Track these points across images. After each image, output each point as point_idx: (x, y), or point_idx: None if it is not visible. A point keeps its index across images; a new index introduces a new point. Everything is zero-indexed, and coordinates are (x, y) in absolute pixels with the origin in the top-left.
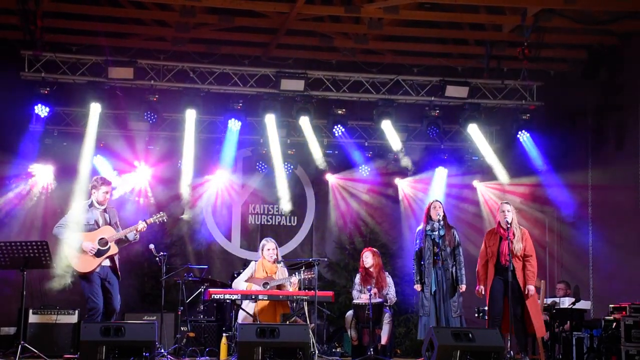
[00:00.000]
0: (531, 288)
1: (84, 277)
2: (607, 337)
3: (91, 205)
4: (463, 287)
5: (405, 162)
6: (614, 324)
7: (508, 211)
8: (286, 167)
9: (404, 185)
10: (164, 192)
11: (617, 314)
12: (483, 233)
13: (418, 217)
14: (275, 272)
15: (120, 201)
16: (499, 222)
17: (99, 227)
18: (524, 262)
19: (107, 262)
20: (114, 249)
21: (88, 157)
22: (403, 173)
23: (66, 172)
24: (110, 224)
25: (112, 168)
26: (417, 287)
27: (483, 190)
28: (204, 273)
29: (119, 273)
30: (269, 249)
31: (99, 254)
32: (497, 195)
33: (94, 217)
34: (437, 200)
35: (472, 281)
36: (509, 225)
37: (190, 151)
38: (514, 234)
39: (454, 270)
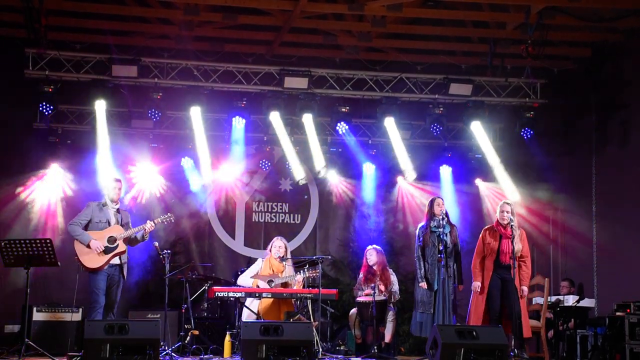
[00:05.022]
0: (525, 289)
1: (91, 272)
2: (612, 334)
3: (104, 204)
4: (461, 287)
5: (408, 160)
6: (618, 321)
7: (507, 212)
8: (287, 166)
9: (408, 183)
10: (169, 191)
11: (622, 311)
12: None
13: (421, 214)
14: (282, 271)
15: (124, 200)
16: (498, 220)
17: (109, 225)
18: (519, 262)
19: (116, 261)
20: (121, 247)
21: (101, 156)
22: (406, 170)
23: (71, 170)
24: (121, 224)
25: (116, 166)
26: (423, 284)
27: (485, 188)
28: (208, 271)
29: (125, 276)
30: (276, 246)
31: (107, 251)
32: (500, 193)
33: (105, 216)
34: (439, 197)
35: (471, 280)
36: (506, 225)
37: (204, 148)
38: (512, 234)
39: (454, 268)
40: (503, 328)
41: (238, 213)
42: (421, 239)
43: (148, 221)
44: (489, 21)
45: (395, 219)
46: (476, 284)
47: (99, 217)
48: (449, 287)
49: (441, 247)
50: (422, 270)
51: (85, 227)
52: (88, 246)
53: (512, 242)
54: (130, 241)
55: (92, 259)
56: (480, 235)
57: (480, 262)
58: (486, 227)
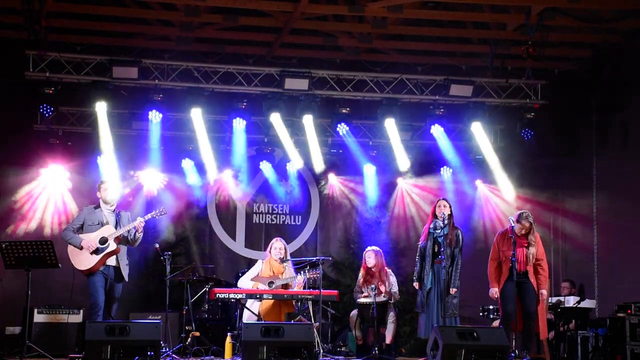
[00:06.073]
0: (544, 292)
1: (87, 274)
2: (612, 336)
3: (97, 207)
4: (454, 290)
5: (409, 161)
6: (619, 322)
7: (526, 223)
8: (288, 167)
9: (409, 184)
10: (169, 192)
11: (622, 312)
12: (485, 233)
13: (423, 216)
14: (283, 272)
15: (125, 202)
16: (512, 228)
17: (102, 227)
18: (535, 266)
19: (113, 262)
20: (112, 246)
21: (102, 158)
22: (407, 171)
23: (71, 172)
24: (120, 225)
25: (117, 168)
26: (415, 284)
27: (485, 190)
28: (209, 272)
29: (125, 277)
30: (275, 248)
31: (97, 251)
32: (500, 195)
33: (98, 219)
34: (443, 199)
35: (473, 280)
36: (522, 234)
37: (204, 149)
38: (528, 242)
39: (450, 271)
40: (514, 326)
41: (239, 214)
42: (422, 240)
43: (138, 217)
44: (489, 22)
45: (395, 220)
46: (493, 291)
47: (92, 220)
48: (445, 289)
49: (437, 249)
50: (417, 270)
51: (80, 232)
52: (81, 247)
53: (526, 249)
54: (127, 241)
55: (84, 262)
56: (495, 241)
57: (495, 268)
58: (500, 231)
